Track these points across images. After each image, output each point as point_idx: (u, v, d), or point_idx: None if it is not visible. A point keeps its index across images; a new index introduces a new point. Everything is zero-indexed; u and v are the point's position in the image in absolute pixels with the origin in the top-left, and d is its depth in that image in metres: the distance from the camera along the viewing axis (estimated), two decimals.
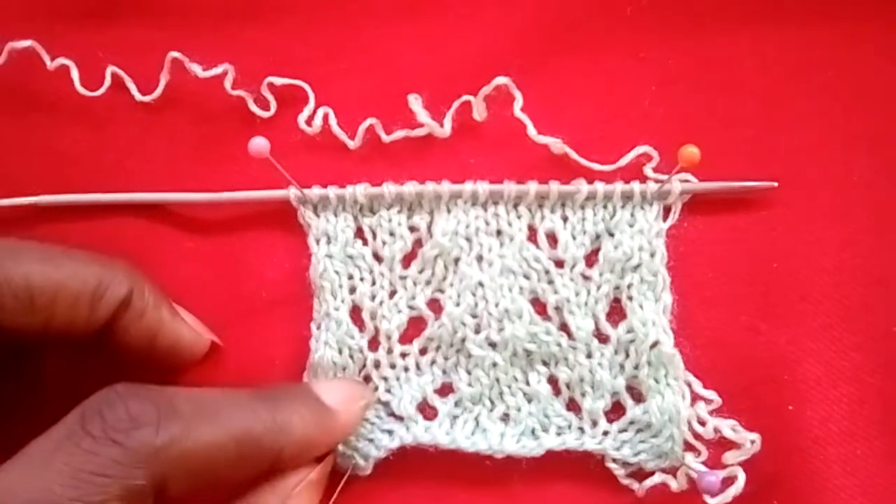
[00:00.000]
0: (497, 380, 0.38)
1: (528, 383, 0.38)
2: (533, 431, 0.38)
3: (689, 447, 0.37)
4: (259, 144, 0.36)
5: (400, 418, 0.38)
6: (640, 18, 0.41)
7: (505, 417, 0.38)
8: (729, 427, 0.37)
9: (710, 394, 0.38)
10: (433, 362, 0.39)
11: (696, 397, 0.38)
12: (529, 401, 0.38)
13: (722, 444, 0.37)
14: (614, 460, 0.38)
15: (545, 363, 0.39)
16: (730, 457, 0.37)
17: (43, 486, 0.27)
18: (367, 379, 0.39)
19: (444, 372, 0.39)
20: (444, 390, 0.39)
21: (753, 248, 0.39)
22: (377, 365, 0.39)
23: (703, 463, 0.37)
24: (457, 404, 0.38)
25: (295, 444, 0.33)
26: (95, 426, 0.29)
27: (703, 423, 0.38)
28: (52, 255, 0.34)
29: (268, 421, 0.32)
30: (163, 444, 0.29)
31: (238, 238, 0.40)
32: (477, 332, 0.38)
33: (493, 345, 0.38)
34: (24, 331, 0.33)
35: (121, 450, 0.29)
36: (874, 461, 0.37)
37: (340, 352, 0.38)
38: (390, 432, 0.38)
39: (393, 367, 0.39)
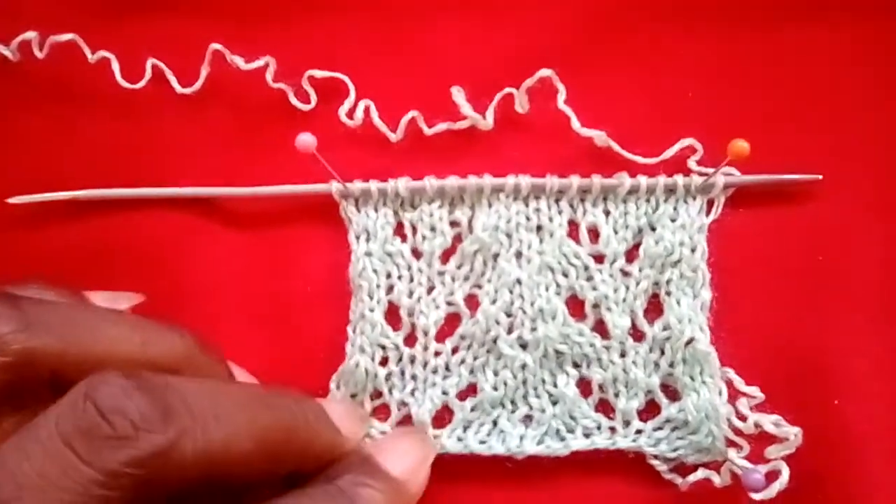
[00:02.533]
0: (524, 381, 0.38)
1: (555, 385, 0.38)
2: (557, 432, 0.38)
3: (730, 443, 0.37)
4: (306, 141, 0.36)
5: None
6: (682, 12, 0.41)
7: (527, 419, 0.38)
8: (771, 422, 0.37)
9: (753, 390, 0.38)
10: (462, 361, 0.39)
11: (738, 394, 0.38)
12: (555, 403, 0.38)
13: (765, 439, 0.37)
14: (655, 456, 0.38)
15: (576, 365, 0.38)
16: (772, 451, 0.37)
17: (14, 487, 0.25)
18: (400, 379, 0.38)
19: (472, 372, 0.38)
20: (466, 393, 0.39)
21: (797, 241, 0.39)
22: (412, 360, 0.38)
23: (746, 458, 0.37)
24: (473, 409, 0.38)
25: None
26: (80, 444, 0.26)
27: (743, 419, 0.37)
28: (95, 325, 0.31)
29: None
30: None
31: (280, 232, 0.40)
32: (509, 331, 0.38)
33: (524, 345, 0.38)
34: None
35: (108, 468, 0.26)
36: None
37: (373, 357, 0.38)
38: None
39: (425, 365, 0.38)
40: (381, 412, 0.39)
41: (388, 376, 0.38)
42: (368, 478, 0.33)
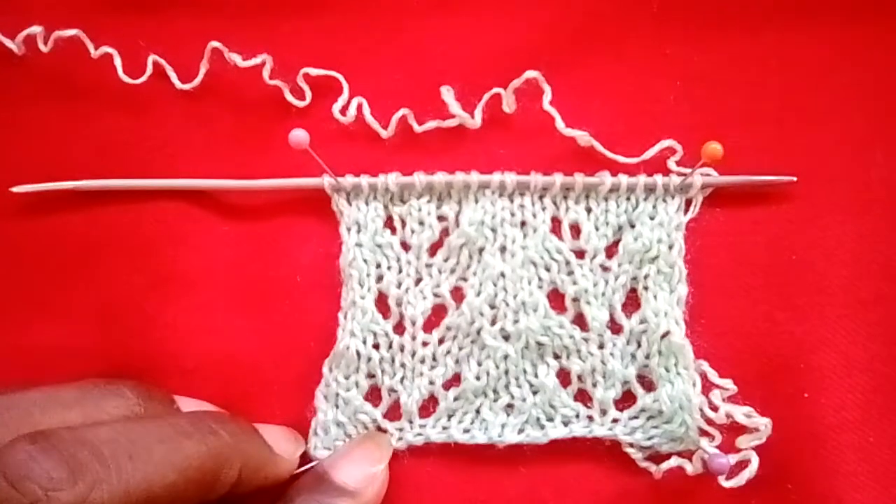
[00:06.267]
0: (506, 372, 0.40)
1: (536, 375, 0.40)
2: (538, 420, 0.39)
3: (703, 433, 0.39)
4: (299, 136, 0.37)
5: (397, 418, 0.40)
6: (666, 15, 0.42)
7: (508, 408, 0.40)
8: (742, 413, 0.38)
9: (726, 382, 0.39)
10: (448, 352, 0.40)
11: (712, 385, 0.39)
12: (535, 392, 0.39)
13: (738, 430, 0.38)
14: (631, 445, 0.39)
15: (556, 356, 0.40)
16: (743, 441, 0.38)
17: None
18: (391, 365, 0.40)
19: (457, 362, 0.40)
20: (451, 383, 0.40)
21: (772, 240, 0.40)
22: (401, 349, 0.40)
23: (718, 447, 0.38)
24: (457, 398, 0.40)
25: None
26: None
27: (715, 409, 0.39)
28: (30, 413, 0.32)
29: None
30: None
31: (274, 223, 0.41)
32: (493, 323, 0.40)
33: (506, 337, 0.40)
34: None
35: None
36: (887, 448, 0.39)
37: (365, 341, 0.39)
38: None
39: (413, 355, 0.40)
40: (375, 397, 0.40)
41: (380, 361, 0.40)
42: (325, 496, 0.35)
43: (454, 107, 0.40)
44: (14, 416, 0.31)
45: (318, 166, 0.39)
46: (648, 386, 0.39)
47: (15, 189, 0.41)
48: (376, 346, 0.40)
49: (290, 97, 0.41)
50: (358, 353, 0.39)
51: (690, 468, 0.38)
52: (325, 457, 0.38)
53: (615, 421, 0.39)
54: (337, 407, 0.40)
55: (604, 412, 0.39)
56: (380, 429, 0.40)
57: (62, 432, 0.29)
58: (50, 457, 0.28)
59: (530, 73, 0.40)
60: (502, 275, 0.40)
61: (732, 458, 0.37)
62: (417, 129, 0.41)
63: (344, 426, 0.39)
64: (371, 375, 0.40)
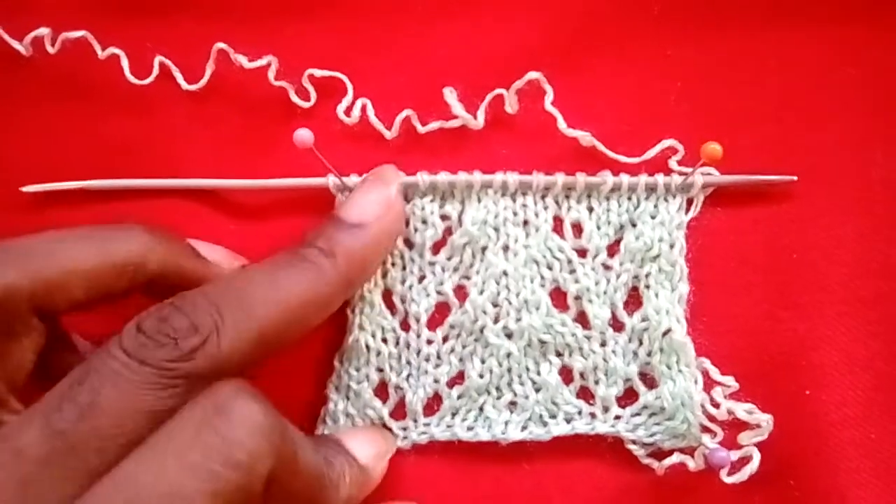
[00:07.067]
0: (509, 369, 0.40)
1: (538, 373, 0.40)
2: (541, 418, 0.40)
3: (705, 429, 0.39)
4: (303, 136, 0.37)
5: (402, 417, 0.40)
6: (667, 17, 0.42)
7: (511, 405, 0.40)
8: (744, 409, 0.39)
9: (728, 379, 0.39)
10: (452, 350, 0.40)
11: (713, 383, 0.39)
12: (538, 390, 0.40)
13: (740, 427, 0.39)
14: (633, 441, 0.39)
15: (559, 353, 0.40)
16: (744, 437, 0.39)
17: (175, 480, 0.27)
18: (398, 362, 0.40)
19: (461, 360, 0.40)
20: (454, 381, 0.40)
21: (773, 239, 0.41)
22: (408, 345, 0.40)
23: (720, 444, 0.38)
24: (460, 397, 0.40)
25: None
26: (233, 418, 0.29)
27: (717, 406, 0.39)
28: (51, 250, 0.34)
29: (328, 478, 0.33)
30: (283, 451, 0.30)
31: (279, 223, 0.41)
32: (496, 321, 0.40)
33: (509, 335, 0.40)
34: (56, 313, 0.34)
35: (254, 444, 0.29)
36: (888, 445, 0.39)
37: (374, 335, 0.40)
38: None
39: (418, 353, 0.40)
40: (382, 392, 0.40)
41: (389, 356, 0.40)
42: (344, 459, 0.35)
43: (457, 108, 0.41)
44: (33, 260, 0.33)
45: (323, 166, 0.39)
46: (650, 383, 0.40)
47: (25, 188, 0.41)
48: (384, 341, 0.40)
49: (295, 98, 0.41)
50: (367, 347, 0.40)
51: (693, 464, 0.39)
52: None
53: (617, 418, 0.40)
54: (348, 398, 0.40)
55: (606, 409, 0.40)
56: (385, 427, 0.40)
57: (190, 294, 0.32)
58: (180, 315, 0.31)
59: (532, 74, 0.40)
60: (505, 273, 0.40)
61: (734, 455, 0.37)
62: (421, 129, 0.41)
63: (353, 417, 0.40)
64: (380, 370, 0.40)
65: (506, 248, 0.40)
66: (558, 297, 0.40)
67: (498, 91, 0.41)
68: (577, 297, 0.40)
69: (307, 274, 0.35)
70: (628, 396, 0.40)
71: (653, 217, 0.40)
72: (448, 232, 0.41)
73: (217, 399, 0.29)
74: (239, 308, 0.32)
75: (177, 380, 0.30)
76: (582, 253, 0.40)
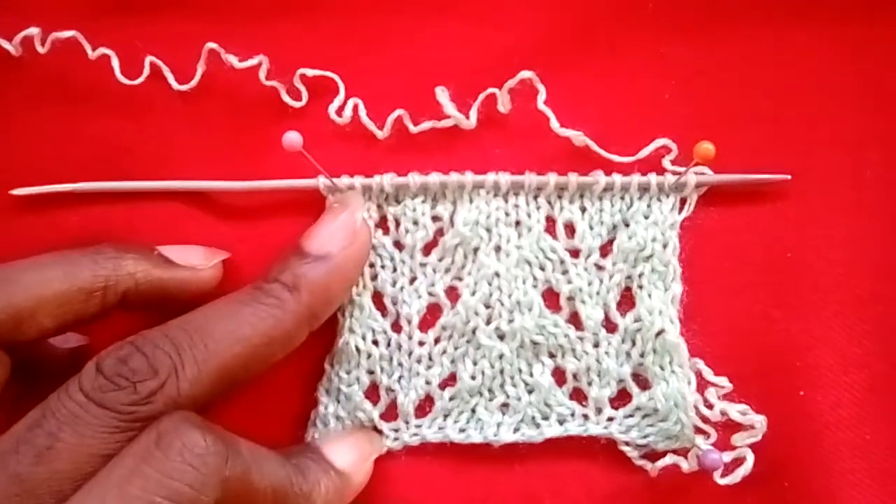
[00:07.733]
0: (501, 371, 0.40)
1: (531, 374, 0.40)
2: (533, 419, 0.40)
3: (699, 430, 0.39)
4: (292, 139, 0.37)
5: (394, 418, 0.40)
6: (661, 16, 0.42)
7: (504, 407, 0.40)
8: (737, 410, 0.39)
9: (722, 380, 0.39)
10: (444, 352, 0.40)
11: (707, 383, 0.39)
12: (531, 391, 0.40)
13: (733, 428, 0.39)
14: (626, 443, 0.39)
15: (552, 355, 0.40)
16: (738, 438, 0.38)
17: None
18: (389, 364, 0.40)
19: (453, 361, 0.40)
20: (446, 382, 0.40)
21: (767, 239, 0.40)
22: (399, 347, 0.40)
23: (714, 445, 0.38)
24: (452, 398, 0.40)
25: None
26: (173, 449, 0.29)
27: (710, 407, 0.39)
28: (17, 277, 0.34)
29: (299, 488, 0.34)
30: (230, 476, 0.30)
31: (270, 224, 0.41)
32: (488, 322, 0.40)
33: (501, 336, 0.40)
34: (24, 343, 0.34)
35: (196, 475, 0.29)
36: (882, 446, 0.39)
37: (364, 337, 0.40)
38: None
39: (410, 354, 0.40)
40: (373, 395, 0.40)
41: (380, 358, 0.40)
42: (319, 467, 0.35)
43: (449, 107, 0.40)
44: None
45: (313, 167, 0.39)
46: (643, 384, 0.40)
47: (14, 192, 0.41)
48: (375, 343, 0.40)
49: (286, 98, 0.41)
50: (357, 349, 0.40)
51: (686, 466, 0.38)
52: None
53: (610, 419, 0.39)
54: (338, 402, 0.40)
55: (599, 410, 0.39)
56: (376, 429, 0.40)
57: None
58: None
59: (525, 74, 0.40)
60: (497, 274, 0.40)
61: (728, 456, 0.37)
62: (413, 129, 0.41)
63: (343, 420, 0.40)
64: (371, 372, 0.40)
65: (498, 249, 0.40)
66: (551, 298, 0.40)
67: (490, 90, 0.40)
68: (570, 298, 0.40)
69: (270, 310, 0.35)
70: (621, 398, 0.40)
71: (646, 217, 0.40)
72: (439, 233, 0.40)
73: (159, 431, 0.30)
74: (200, 347, 0.33)
75: (135, 423, 0.30)
76: (574, 253, 0.40)
